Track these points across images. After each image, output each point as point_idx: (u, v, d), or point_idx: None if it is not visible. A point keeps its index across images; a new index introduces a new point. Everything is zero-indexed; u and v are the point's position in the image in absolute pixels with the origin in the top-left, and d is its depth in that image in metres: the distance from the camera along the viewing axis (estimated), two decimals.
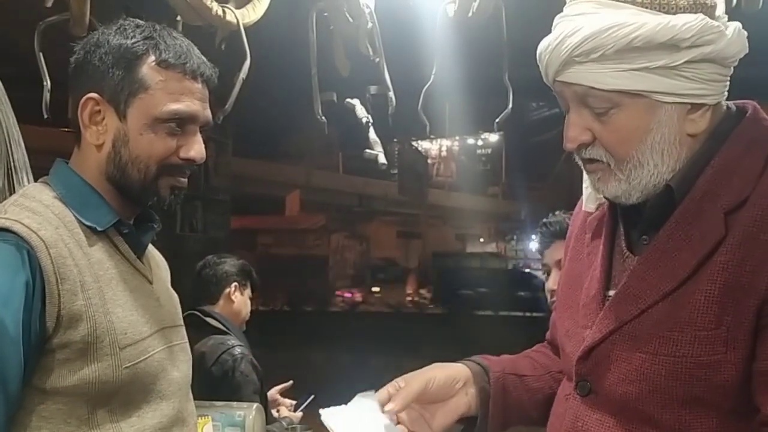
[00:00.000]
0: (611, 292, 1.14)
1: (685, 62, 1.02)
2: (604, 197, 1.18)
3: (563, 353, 1.23)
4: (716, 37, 1.03)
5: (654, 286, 1.06)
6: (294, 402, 3.02)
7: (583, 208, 1.27)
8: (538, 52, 1.11)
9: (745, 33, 1.08)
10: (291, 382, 3.09)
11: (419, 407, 1.23)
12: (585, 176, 1.24)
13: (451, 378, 1.23)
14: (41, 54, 1.84)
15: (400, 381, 1.21)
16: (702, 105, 1.06)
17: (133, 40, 1.22)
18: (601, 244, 1.19)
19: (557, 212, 2.20)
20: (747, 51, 1.08)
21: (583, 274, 1.21)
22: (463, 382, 1.25)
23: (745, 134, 1.09)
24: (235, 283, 2.94)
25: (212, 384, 2.62)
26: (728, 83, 1.09)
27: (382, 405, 1.16)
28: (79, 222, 1.21)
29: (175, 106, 1.22)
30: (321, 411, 1.17)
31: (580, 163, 1.15)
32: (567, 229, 2.11)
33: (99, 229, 1.22)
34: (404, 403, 1.18)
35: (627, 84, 1.03)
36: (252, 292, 3.04)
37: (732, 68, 1.09)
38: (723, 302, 1.00)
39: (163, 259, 1.44)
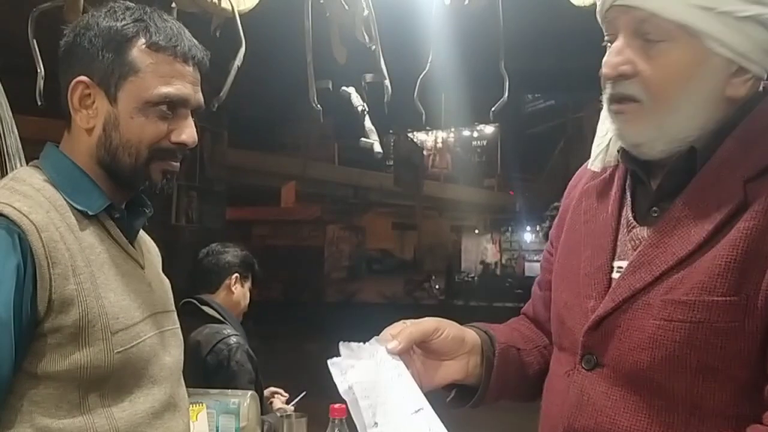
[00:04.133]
0: (616, 263, 1.12)
1: (750, 17, 1.01)
2: (623, 146, 1.14)
3: (562, 326, 1.19)
4: None
5: (669, 253, 1.04)
6: (287, 396, 3.02)
7: (589, 166, 1.24)
8: None
9: None
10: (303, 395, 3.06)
11: (421, 355, 1.17)
12: (598, 134, 1.21)
13: (460, 338, 1.20)
14: (35, 41, 1.84)
15: (408, 321, 1.16)
16: (746, 72, 1.05)
17: (123, 23, 1.20)
18: (609, 213, 1.16)
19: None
20: None
21: (581, 244, 1.18)
22: (470, 347, 1.21)
23: None
24: (236, 274, 2.92)
25: (207, 373, 2.62)
26: None
27: (385, 343, 1.11)
28: (71, 206, 1.19)
29: (165, 89, 1.20)
30: (329, 361, 1.11)
31: (605, 102, 1.12)
32: None
33: (90, 213, 1.21)
34: (408, 342, 1.12)
35: (690, 19, 1.02)
36: (252, 284, 3.02)
37: None
38: (744, 269, 0.98)
39: (154, 245, 1.43)
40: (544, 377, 1.26)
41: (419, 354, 1.18)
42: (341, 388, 1.08)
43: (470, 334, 1.23)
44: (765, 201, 1.00)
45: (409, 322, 1.17)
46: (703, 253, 1.02)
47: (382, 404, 1.06)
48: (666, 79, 1.05)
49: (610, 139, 1.19)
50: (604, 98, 1.13)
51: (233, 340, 2.70)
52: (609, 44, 1.10)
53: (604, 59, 1.09)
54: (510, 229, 20.42)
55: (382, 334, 1.14)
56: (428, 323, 1.17)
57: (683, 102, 1.05)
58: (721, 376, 1.00)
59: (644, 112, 1.07)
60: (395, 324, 1.16)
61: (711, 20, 1.02)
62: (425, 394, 1.11)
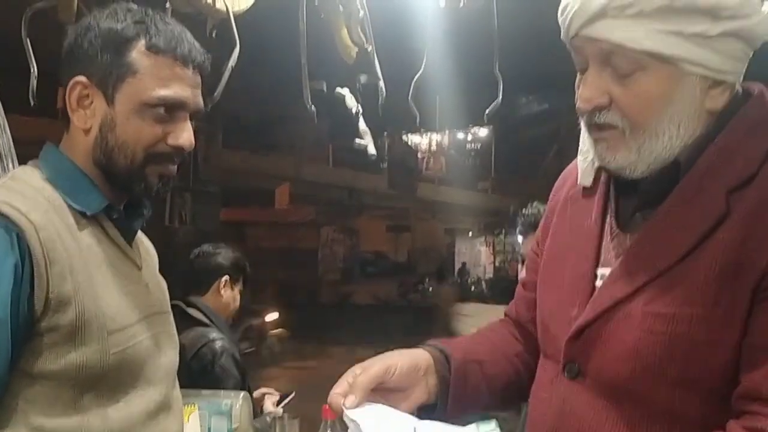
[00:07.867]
0: (600, 270, 1.11)
1: (720, 34, 0.99)
2: (606, 169, 1.13)
3: (547, 333, 1.19)
4: (753, 12, 1.00)
5: (650, 264, 1.03)
6: (278, 395, 2.99)
7: (578, 182, 1.22)
8: (564, 2, 1.05)
9: None
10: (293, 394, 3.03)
11: (380, 395, 1.13)
12: (581, 149, 1.20)
13: (414, 367, 1.16)
14: (28, 41, 1.83)
15: (357, 368, 1.12)
16: (722, 82, 1.04)
17: (124, 24, 1.21)
18: (592, 220, 1.15)
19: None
20: None
21: (565, 250, 1.18)
22: (425, 370, 1.18)
23: (750, 115, 1.06)
24: (227, 276, 2.87)
25: (191, 378, 2.53)
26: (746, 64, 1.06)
27: (342, 405, 1.06)
28: (69, 206, 1.20)
29: (163, 92, 1.20)
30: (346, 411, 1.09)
31: (585, 129, 1.10)
32: None
33: (89, 213, 1.21)
34: (363, 392, 1.08)
35: (660, 47, 0.99)
36: (243, 287, 2.96)
37: (753, 51, 1.05)
38: (722, 281, 0.97)
39: (152, 246, 1.43)
40: (514, 387, 1.25)
41: (381, 395, 1.14)
42: None
43: (423, 357, 1.19)
44: (745, 211, 0.99)
45: (357, 368, 1.12)
46: (684, 264, 1.01)
47: None
48: (644, 106, 1.03)
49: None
50: (583, 124, 1.11)
51: (218, 344, 2.64)
52: (579, 72, 1.08)
53: (579, 92, 1.07)
54: (503, 231, 20.47)
55: (330, 395, 1.09)
56: (377, 367, 1.12)
57: (664, 125, 1.03)
58: (701, 388, 1.00)
59: (625, 139, 1.05)
60: (340, 379, 1.11)
61: (681, 44, 0.99)
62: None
